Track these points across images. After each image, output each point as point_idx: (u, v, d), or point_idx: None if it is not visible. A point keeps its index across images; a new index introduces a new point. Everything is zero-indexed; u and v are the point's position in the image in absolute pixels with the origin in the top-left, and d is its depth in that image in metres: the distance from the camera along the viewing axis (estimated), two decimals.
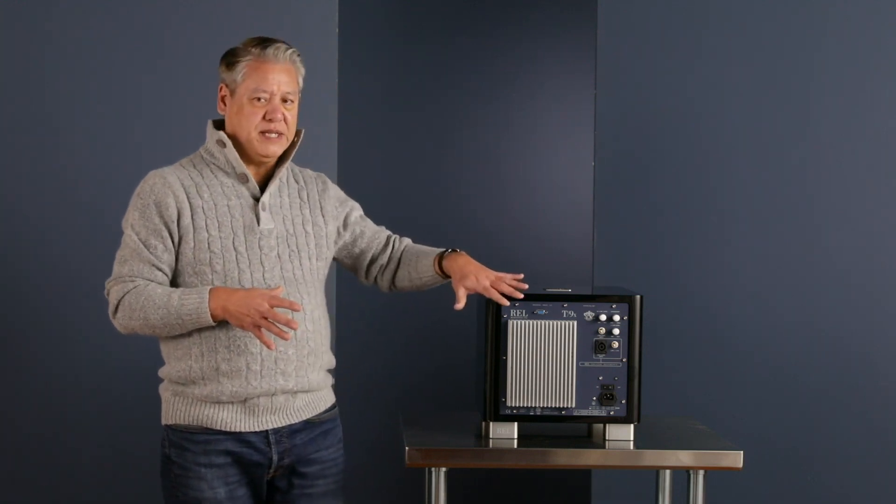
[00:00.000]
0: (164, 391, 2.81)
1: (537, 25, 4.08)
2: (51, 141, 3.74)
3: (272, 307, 2.58)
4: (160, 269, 2.72)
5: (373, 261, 2.99)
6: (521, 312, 2.85)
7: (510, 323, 2.84)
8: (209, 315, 2.64)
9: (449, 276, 2.88)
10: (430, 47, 4.13)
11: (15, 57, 3.72)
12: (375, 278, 3.01)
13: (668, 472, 3.09)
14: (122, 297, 2.68)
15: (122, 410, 3.74)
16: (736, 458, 2.83)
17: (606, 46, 3.93)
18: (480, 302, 2.93)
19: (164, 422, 2.81)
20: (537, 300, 2.85)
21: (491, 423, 2.87)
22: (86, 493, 3.77)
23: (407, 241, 3.02)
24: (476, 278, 2.83)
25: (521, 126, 4.13)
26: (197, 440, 2.73)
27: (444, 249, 2.93)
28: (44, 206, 3.74)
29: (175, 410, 2.76)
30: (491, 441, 2.86)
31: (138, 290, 2.67)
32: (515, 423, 2.87)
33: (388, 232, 3.03)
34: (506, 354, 2.85)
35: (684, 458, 2.82)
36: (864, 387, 3.93)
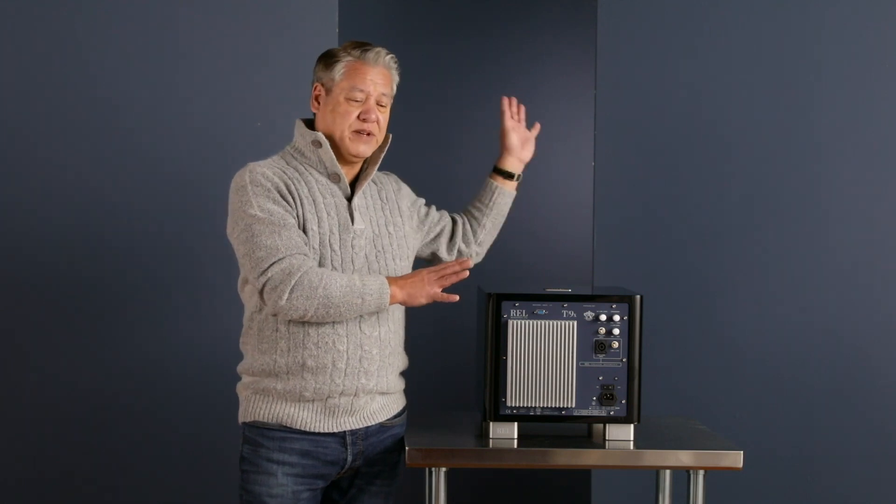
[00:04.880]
0: (244, 390, 2.80)
1: (537, 25, 4.09)
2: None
3: (442, 287, 2.72)
4: (306, 243, 2.71)
5: (452, 236, 3.06)
6: (521, 312, 2.85)
7: (510, 323, 2.84)
8: (389, 297, 2.69)
9: (503, 175, 3.07)
10: (430, 47, 4.13)
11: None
12: (459, 250, 3.07)
13: (668, 472, 3.09)
14: (300, 277, 2.63)
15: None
16: (736, 458, 2.82)
17: (606, 46, 3.92)
18: (480, 301, 2.93)
19: (241, 420, 2.80)
20: (537, 300, 2.85)
21: (491, 423, 2.87)
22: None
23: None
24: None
25: None
26: (273, 436, 2.73)
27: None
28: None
29: (254, 408, 2.75)
30: (491, 441, 2.85)
31: (315, 270, 2.65)
32: (515, 423, 2.87)
33: (445, 211, 3.11)
34: (506, 354, 2.84)
35: (684, 458, 2.81)
36: (864, 387, 3.92)
